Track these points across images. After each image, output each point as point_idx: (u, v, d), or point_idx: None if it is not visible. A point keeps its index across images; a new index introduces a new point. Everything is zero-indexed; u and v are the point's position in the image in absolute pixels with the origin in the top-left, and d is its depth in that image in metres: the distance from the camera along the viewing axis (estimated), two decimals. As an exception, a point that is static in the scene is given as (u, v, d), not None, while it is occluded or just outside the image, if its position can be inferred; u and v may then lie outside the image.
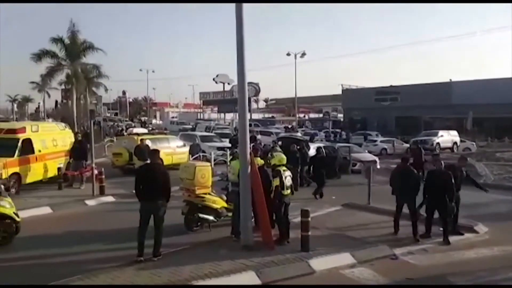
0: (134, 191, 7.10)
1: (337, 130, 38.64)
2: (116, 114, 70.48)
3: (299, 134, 25.57)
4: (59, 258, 7.14)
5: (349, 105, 51.89)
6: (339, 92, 55.55)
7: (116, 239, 8.14)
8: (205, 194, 8.70)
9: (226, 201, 9.07)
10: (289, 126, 40.67)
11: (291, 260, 6.85)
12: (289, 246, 7.56)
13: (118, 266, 6.49)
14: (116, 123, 43.77)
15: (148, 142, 15.81)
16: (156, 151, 7.64)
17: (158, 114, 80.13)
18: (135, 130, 24.58)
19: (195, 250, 7.40)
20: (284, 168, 7.96)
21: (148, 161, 7.61)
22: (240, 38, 7.33)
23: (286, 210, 7.90)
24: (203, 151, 18.89)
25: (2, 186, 8.32)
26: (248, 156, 7.48)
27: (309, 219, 7.34)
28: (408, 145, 26.41)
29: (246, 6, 7.32)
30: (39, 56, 31.35)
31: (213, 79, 55.62)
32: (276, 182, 7.66)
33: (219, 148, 19.70)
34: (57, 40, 31.43)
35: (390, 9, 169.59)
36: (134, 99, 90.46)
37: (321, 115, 55.92)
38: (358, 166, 17.27)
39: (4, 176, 11.19)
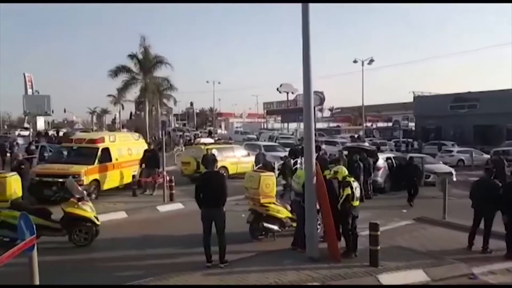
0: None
1: (409, 139, 36.76)
2: (184, 124, 73.84)
3: (366, 144, 24.69)
4: (133, 260, 7.59)
5: (421, 113, 49.02)
6: (410, 99, 53.02)
7: (185, 244, 8.44)
8: (270, 203, 8.72)
9: (290, 211, 9.03)
10: (356, 136, 39.60)
11: (359, 274, 6.60)
12: (356, 259, 7.30)
13: (187, 270, 6.71)
14: (184, 133, 45.71)
15: (214, 152, 16.28)
16: (214, 160, 7.80)
17: (223, 124, 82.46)
18: (202, 140, 25.42)
19: (260, 258, 7.43)
20: (352, 178, 7.75)
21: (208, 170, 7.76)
22: (306, 42, 7.24)
23: (354, 222, 7.64)
24: (267, 161, 18.98)
25: (85, 192, 9.04)
26: (314, 166, 7.37)
27: (379, 232, 7.04)
28: (488, 156, 24.32)
29: (311, 13, 7.25)
30: (116, 72, 33.97)
31: (277, 89, 56.01)
32: (347, 191, 7.47)
33: (282, 158, 19.67)
34: (132, 56, 33.84)
35: (468, 9, 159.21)
36: (200, 110, 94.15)
37: (390, 124, 53.69)
38: (432, 178, 16.22)
39: (85, 183, 12.16)
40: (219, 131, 65.11)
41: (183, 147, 25.92)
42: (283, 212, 8.86)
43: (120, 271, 6.95)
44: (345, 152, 16.25)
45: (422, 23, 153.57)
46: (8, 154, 20.12)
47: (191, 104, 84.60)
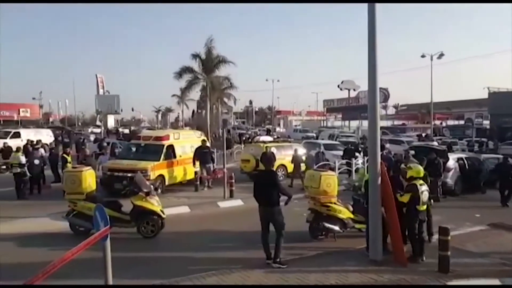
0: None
1: (483, 139, 34.07)
2: (243, 122, 74.90)
3: (435, 143, 23.25)
4: (195, 253, 7.83)
5: (497, 111, 45.02)
6: (484, 96, 49.17)
7: (245, 240, 8.55)
8: (331, 203, 8.54)
9: (353, 212, 8.78)
10: (423, 134, 37.54)
11: (426, 280, 6.25)
12: (423, 265, 6.93)
13: (247, 266, 6.79)
14: (249, 131, 46.33)
15: (273, 150, 16.32)
16: (272, 158, 7.78)
17: (281, 122, 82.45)
18: (262, 138, 25.61)
19: (321, 258, 7.31)
20: (421, 181, 7.31)
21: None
22: (372, 39, 7.00)
23: (421, 226, 7.25)
24: (327, 160, 18.65)
25: (152, 186, 9.50)
26: (379, 166, 7.09)
27: (449, 237, 6.60)
28: None
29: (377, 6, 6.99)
30: (180, 73, 35.35)
31: (338, 86, 54.88)
32: (405, 198, 7.12)
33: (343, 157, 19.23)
34: (195, 56, 34.96)
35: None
36: (259, 108, 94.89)
37: (461, 122, 50.21)
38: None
39: (151, 178, 12.79)
40: (277, 129, 65.14)
41: (243, 145, 26.30)
42: (345, 213, 8.64)
43: (183, 263, 7.19)
44: (412, 152, 15.45)
45: (498, 11, 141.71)
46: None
47: (250, 102, 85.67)
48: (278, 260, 6.82)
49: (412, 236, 7.23)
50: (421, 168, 7.52)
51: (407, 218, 7.18)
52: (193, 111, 69.33)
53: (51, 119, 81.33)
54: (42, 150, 16.57)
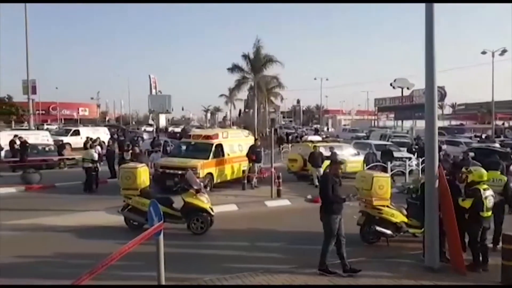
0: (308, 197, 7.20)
1: None
2: (290, 121, 74.55)
3: (497, 144, 21.73)
4: (243, 252, 7.86)
5: None
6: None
7: (294, 241, 8.49)
8: (383, 206, 8.22)
9: (407, 216, 8.40)
10: (483, 135, 35.27)
11: (486, 292, 5.83)
12: (484, 275, 6.47)
13: (295, 267, 6.69)
14: (295, 131, 46.03)
15: (321, 150, 16.06)
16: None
17: (330, 121, 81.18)
18: (310, 138, 25.32)
19: (373, 263, 7.05)
20: (485, 186, 6.82)
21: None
22: (430, 40, 6.66)
23: (484, 234, 6.77)
24: (379, 161, 18.06)
25: (202, 184, 9.67)
26: (436, 169, 6.71)
27: (515, 246, 6.10)
28: None
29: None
30: (232, 69, 35.96)
31: (390, 84, 52.96)
32: (467, 203, 6.68)
33: (396, 158, 18.53)
34: (245, 56, 35.35)
35: None
36: (307, 107, 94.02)
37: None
38: None
39: (201, 175, 13.05)
40: (325, 128, 64.09)
41: (290, 145, 26.16)
42: (398, 216, 8.28)
43: (231, 261, 7.24)
44: (471, 154, 14.55)
45: None
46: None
47: (298, 101, 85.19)
48: (322, 267, 6.37)
49: (474, 243, 6.77)
50: (484, 172, 7.01)
51: (469, 225, 6.74)
52: (240, 110, 70.18)
53: (107, 118, 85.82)
54: (98, 148, 17.51)
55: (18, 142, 18.48)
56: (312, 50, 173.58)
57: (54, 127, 47.62)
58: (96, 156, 14.57)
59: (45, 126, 46.50)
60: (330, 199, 6.38)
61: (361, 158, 17.89)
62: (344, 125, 64.31)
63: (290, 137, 34.66)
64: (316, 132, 44.25)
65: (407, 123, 52.51)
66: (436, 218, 6.72)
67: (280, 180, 13.42)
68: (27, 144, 18.02)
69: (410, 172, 16.40)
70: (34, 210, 10.82)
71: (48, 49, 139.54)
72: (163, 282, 4.95)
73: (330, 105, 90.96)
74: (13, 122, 47.89)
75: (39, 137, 22.72)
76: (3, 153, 17.91)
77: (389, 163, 16.07)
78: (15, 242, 8.15)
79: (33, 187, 14.40)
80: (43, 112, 68.56)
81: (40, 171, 16.09)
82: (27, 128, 32.11)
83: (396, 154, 19.41)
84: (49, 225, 9.39)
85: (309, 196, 13.09)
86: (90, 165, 14.16)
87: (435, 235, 6.72)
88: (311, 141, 19.09)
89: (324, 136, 37.18)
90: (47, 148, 20.68)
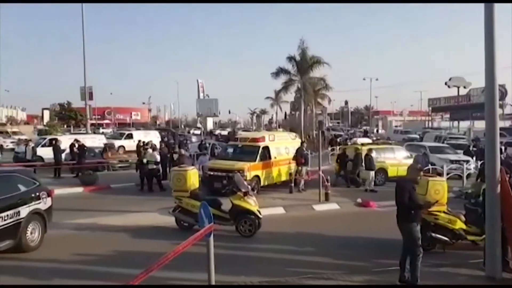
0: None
1: None
2: (338, 123, 73.25)
3: None
4: (291, 255, 7.78)
5: None
6: None
7: (343, 246, 8.30)
8: (440, 211, 7.81)
9: (465, 222, 7.92)
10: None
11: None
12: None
13: (349, 273, 6.54)
14: (344, 133, 45.22)
15: (372, 153, 15.63)
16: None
17: (380, 123, 78.77)
18: (359, 140, 24.73)
19: (429, 271, 6.70)
20: None
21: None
22: (490, 36, 6.26)
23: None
24: (433, 163, 17.24)
25: (249, 186, 9.73)
26: (498, 172, 6.28)
27: None
28: None
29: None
30: (277, 73, 36.01)
31: (445, 83, 50.54)
32: None
33: (452, 161, 17.60)
34: (290, 58, 35.24)
35: None
36: (355, 108, 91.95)
37: None
38: None
39: (248, 178, 13.13)
40: (375, 130, 62.16)
41: (338, 147, 25.67)
42: (456, 223, 7.83)
43: (279, 264, 7.21)
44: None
45: None
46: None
47: (346, 102, 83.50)
48: (413, 279, 5.93)
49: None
50: None
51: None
52: (286, 112, 69.95)
53: (158, 122, 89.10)
54: (150, 150, 18.18)
55: (76, 145, 19.68)
56: (361, 49, 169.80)
57: (109, 130, 50.19)
58: (158, 158, 15.32)
59: (101, 130, 49.17)
60: (407, 206, 5.94)
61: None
62: (396, 126, 62.14)
63: (339, 139, 34.03)
64: (366, 134, 43.16)
65: (464, 124, 49.72)
66: (498, 224, 6.29)
67: (329, 184, 13.20)
68: (85, 148, 19.12)
69: (468, 176, 15.49)
70: (92, 210, 11.44)
71: (103, 55, 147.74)
72: (213, 282, 5.03)
73: (380, 106, 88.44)
74: (72, 127, 51.09)
75: (95, 141, 24.09)
76: (63, 155, 19.10)
77: (445, 165, 15.31)
78: (76, 241, 8.66)
79: (90, 188, 15.23)
80: (99, 116, 72.54)
81: (96, 173, 17.03)
82: (84, 132, 34.14)
83: (452, 157, 18.46)
84: (106, 225, 9.89)
85: (359, 200, 12.76)
86: (154, 166, 14.95)
87: (497, 243, 6.29)
88: (361, 144, 18.68)
89: (374, 138, 36.14)
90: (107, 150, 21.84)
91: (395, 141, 29.50)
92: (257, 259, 7.62)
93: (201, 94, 59.76)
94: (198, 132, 50.59)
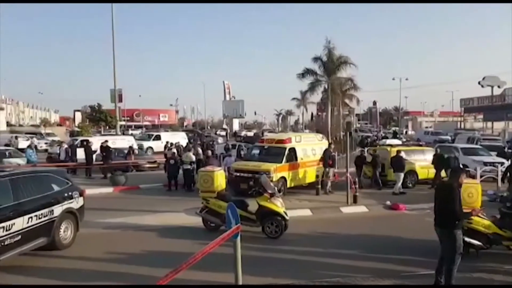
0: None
1: None
2: (366, 124, 72.02)
3: None
4: (318, 258, 7.68)
5: None
6: None
7: (368, 249, 8.12)
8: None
9: (500, 226, 7.60)
10: None
11: None
12: None
13: (378, 277, 6.41)
14: (373, 134, 44.42)
15: (402, 154, 15.27)
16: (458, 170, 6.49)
17: (409, 123, 76.94)
18: (388, 141, 24.24)
19: (463, 278, 6.47)
20: None
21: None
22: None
23: None
24: (465, 166, 16.66)
25: (276, 188, 9.69)
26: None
27: None
28: None
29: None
30: (303, 74, 35.80)
31: (479, 83, 48.85)
32: None
33: (486, 163, 16.95)
34: (316, 59, 34.96)
35: None
36: (383, 109, 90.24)
37: None
38: None
39: (274, 179, 13.08)
40: (404, 131, 60.64)
41: (366, 148, 25.22)
42: (490, 227, 7.52)
43: (304, 266, 7.13)
44: None
45: None
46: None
47: (374, 103, 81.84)
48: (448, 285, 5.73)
49: None
50: None
51: None
52: (312, 113, 69.43)
53: (185, 123, 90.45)
54: (174, 150, 18.51)
55: (103, 146, 20.11)
56: (390, 49, 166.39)
57: (137, 132, 51.35)
58: (194, 158, 15.78)
59: (130, 132, 50.38)
60: (458, 213, 5.62)
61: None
62: (426, 127, 60.50)
63: (368, 141, 33.43)
64: (395, 135, 42.23)
65: (498, 125, 47.88)
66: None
67: (357, 186, 12.97)
68: (110, 149, 19.51)
69: (503, 178, 14.86)
70: (122, 210, 11.69)
71: (132, 59, 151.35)
72: (240, 283, 5.02)
73: (410, 107, 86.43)
74: (102, 128, 52.54)
75: (124, 142, 24.65)
76: (94, 156, 19.62)
77: (478, 168, 14.76)
78: (106, 239, 8.87)
79: (120, 188, 15.59)
80: (128, 118, 74.34)
81: (126, 173, 17.41)
82: (114, 133, 35.05)
83: (486, 159, 17.79)
84: (135, 224, 10.09)
85: (388, 203, 12.48)
86: (189, 166, 15.30)
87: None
88: (390, 145, 18.31)
89: (404, 139, 35.31)
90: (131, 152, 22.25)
91: (425, 142, 28.72)
92: (283, 261, 7.57)
93: (227, 96, 60.22)
94: (223, 133, 50.99)
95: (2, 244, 6.41)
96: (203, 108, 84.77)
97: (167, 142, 26.24)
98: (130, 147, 21.36)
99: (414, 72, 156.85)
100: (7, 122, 65.63)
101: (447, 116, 79.71)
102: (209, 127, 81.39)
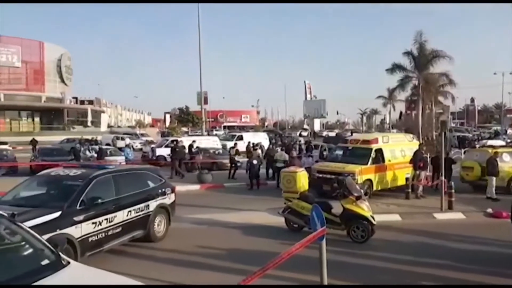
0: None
1: None
2: (462, 123, 66.26)
3: None
4: (408, 266, 7.17)
5: None
6: None
7: (463, 259, 7.44)
8: None
9: None
10: None
11: None
12: None
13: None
14: (473, 134, 40.80)
15: (505, 156, 13.71)
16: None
17: (513, 122, 68.96)
18: (490, 142, 21.97)
19: None
20: None
21: None
22: None
23: None
24: None
25: (362, 190, 9.30)
26: None
27: None
28: None
29: None
30: (392, 69, 33.99)
31: None
32: None
33: None
34: (407, 54, 32.94)
35: None
36: (482, 106, 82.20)
37: None
38: None
39: (359, 182, 12.58)
40: (509, 131, 54.25)
41: (462, 150, 23.17)
42: None
43: (392, 275, 6.72)
44: None
45: None
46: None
47: (472, 100, 74.96)
48: None
49: None
50: None
51: None
52: (401, 112, 65.69)
53: (266, 124, 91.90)
54: (259, 151, 18.86)
55: (195, 146, 21.24)
56: (489, 41, 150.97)
57: (221, 132, 53.46)
58: (287, 157, 16.19)
59: (214, 132, 52.66)
60: None
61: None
62: (533, 126, 53.60)
63: (466, 142, 30.65)
64: (496, 135, 38.14)
65: None
66: None
67: (453, 191, 11.89)
68: (184, 148, 20.53)
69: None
70: (208, 206, 12.21)
71: (216, 61, 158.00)
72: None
73: (514, 103, 77.28)
74: (189, 129, 55.77)
75: (210, 142, 25.86)
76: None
77: None
78: (195, 234, 9.31)
79: (206, 186, 16.33)
80: (212, 119, 77.82)
81: (211, 172, 18.22)
82: (200, 134, 36.96)
83: None
84: (220, 221, 10.44)
85: (489, 210, 11.27)
86: (282, 164, 15.57)
87: None
88: (492, 146, 16.56)
89: (508, 140, 31.80)
90: (216, 152, 23.27)
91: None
92: (369, 267, 7.22)
93: (308, 96, 59.61)
94: (305, 133, 50.71)
95: (106, 234, 7.06)
96: (284, 108, 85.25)
97: (249, 143, 26.87)
98: (198, 147, 21.98)
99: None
100: (107, 124, 73.28)
101: None
102: (289, 127, 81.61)
